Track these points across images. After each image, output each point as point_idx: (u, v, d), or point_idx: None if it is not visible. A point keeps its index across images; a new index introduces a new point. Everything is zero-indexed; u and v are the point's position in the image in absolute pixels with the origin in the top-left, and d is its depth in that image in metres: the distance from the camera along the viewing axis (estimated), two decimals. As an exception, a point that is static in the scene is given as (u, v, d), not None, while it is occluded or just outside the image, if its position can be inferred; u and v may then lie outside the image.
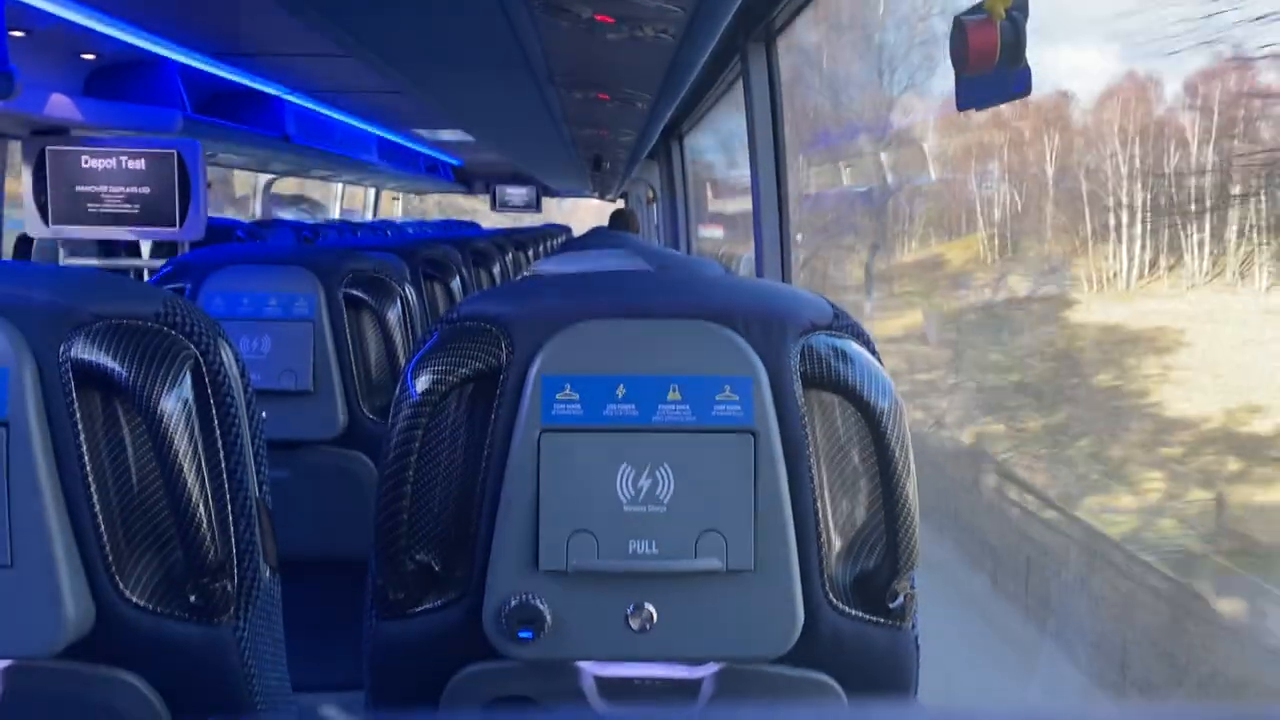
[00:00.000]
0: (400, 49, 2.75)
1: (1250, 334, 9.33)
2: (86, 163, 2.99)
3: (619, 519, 0.85)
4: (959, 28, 1.21)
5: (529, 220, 10.28)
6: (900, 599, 0.91)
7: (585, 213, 12.32)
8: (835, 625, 0.90)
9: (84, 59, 3.11)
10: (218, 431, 0.88)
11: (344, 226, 6.33)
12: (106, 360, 0.84)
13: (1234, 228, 9.43)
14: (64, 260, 3.15)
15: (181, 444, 0.85)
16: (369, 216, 8.91)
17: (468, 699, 0.90)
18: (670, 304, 0.89)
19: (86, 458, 0.84)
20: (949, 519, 8.75)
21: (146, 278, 3.06)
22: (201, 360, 0.88)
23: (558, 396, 0.86)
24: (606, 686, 0.90)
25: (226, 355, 0.90)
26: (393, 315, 1.79)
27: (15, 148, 3.15)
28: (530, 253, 5.33)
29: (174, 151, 3.01)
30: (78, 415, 0.84)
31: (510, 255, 4.25)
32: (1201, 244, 9.60)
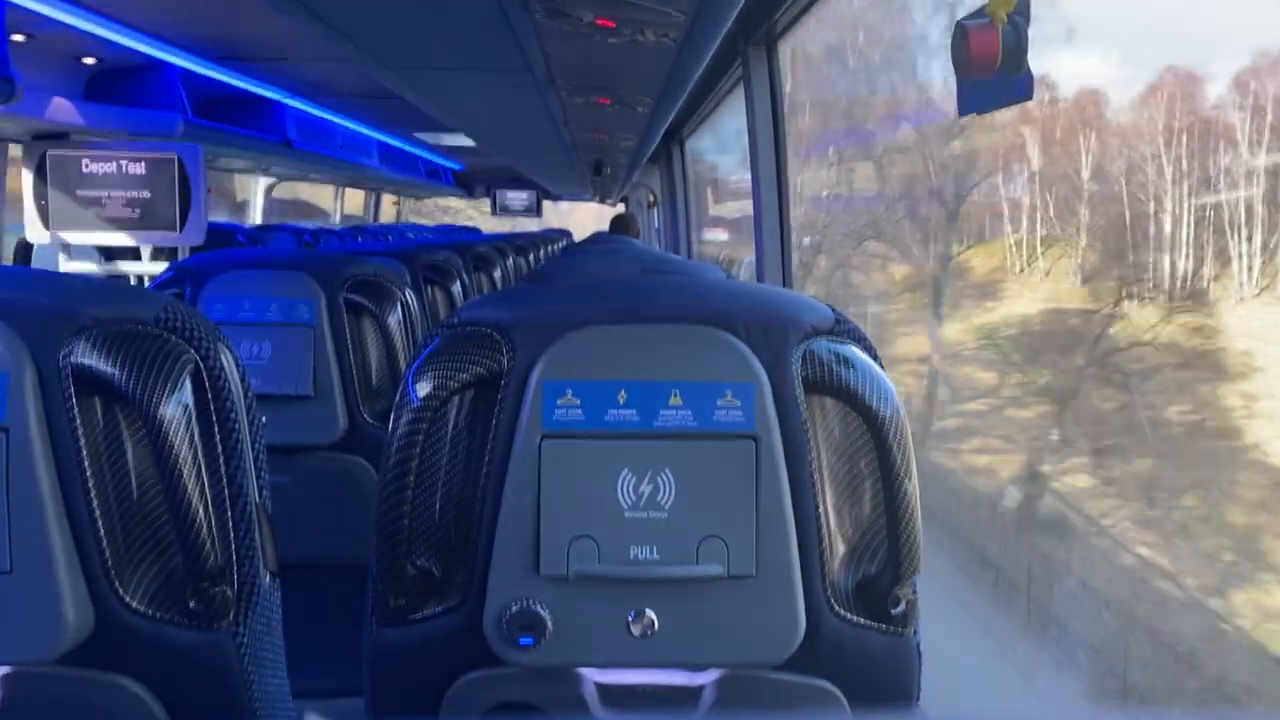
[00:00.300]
0: (401, 53, 2.75)
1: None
2: (87, 167, 2.99)
3: (620, 524, 0.85)
4: (960, 32, 1.20)
5: (522, 225, 10.16)
6: (902, 605, 0.90)
7: (584, 215, 12.24)
8: (837, 631, 0.89)
9: (85, 63, 3.11)
10: (218, 436, 0.88)
11: (344, 231, 6.33)
12: (106, 365, 0.84)
13: (1283, 234, 8.16)
14: (64, 265, 3.15)
15: (181, 449, 0.84)
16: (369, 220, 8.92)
17: (468, 705, 0.90)
18: (671, 309, 0.89)
19: (86, 463, 0.84)
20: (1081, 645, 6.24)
21: (147, 282, 3.06)
22: (202, 365, 0.88)
23: (559, 402, 0.85)
24: (607, 693, 0.89)
25: (227, 360, 0.90)
26: (393, 320, 1.79)
27: (16, 152, 3.15)
28: (531, 257, 5.33)
29: (174, 156, 3.01)
30: (78, 420, 0.84)
31: (511, 260, 4.25)
32: (1248, 253, 8.41)
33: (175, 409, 0.84)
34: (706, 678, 0.90)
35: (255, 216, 6.58)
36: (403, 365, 1.78)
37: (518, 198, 9.80)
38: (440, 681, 0.90)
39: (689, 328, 0.87)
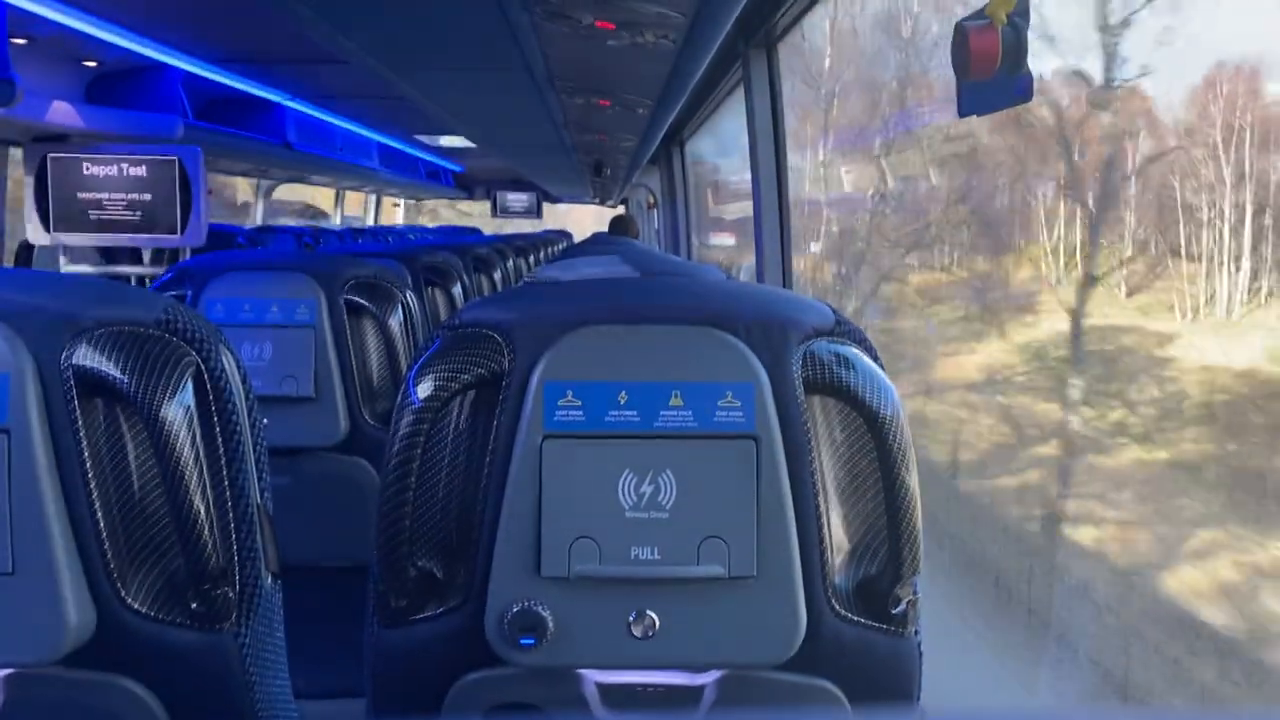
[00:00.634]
0: (401, 55, 2.75)
1: None
2: (87, 169, 2.99)
3: (621, 525, 0.85)
4: (960, 33, 1.21)
5: (515, 227, 10.02)
6: (903, 605, 0.91)
7: (582, 217, 12.15)
8: (838, 631, 0.90)
9: (85, 66, 3.11)
10: (219, 438, 0.88)
11: (345, 233, 6.34)
12: (108, 367, 0.84)
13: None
14: (65, 267, 3.15)
15: (183, 450, 0.85)
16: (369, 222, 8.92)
17: (469, 706, 0.90)
18: (672, 310, 0.89)
19: (88, 464, 0.84)
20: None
21: (148, 284, 3.06)
22: (203, 367, 0.88)
23: (560, 403, 0.86)
24: (608, 693, 0.90)
25: (228, 362, 0.90)
26: (394, 321, 1.79)
27: (16, 154, 3.15)
28: (531, 259, 5.33)
29: (175, 158, 3.01)
30: (79, 422, 0.84)
31: (511, 261, 4.25)
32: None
33: (177, 411, 0.84)
34: (707, 678, 0.90)
35: (256, 218, 6.59)
36: (403, 366, 1.78)
37: (518, 199, 9.80)
38: (441, 682, 0.91)
39: (689, 329, 0.88)
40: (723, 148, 6.94)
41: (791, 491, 0.86)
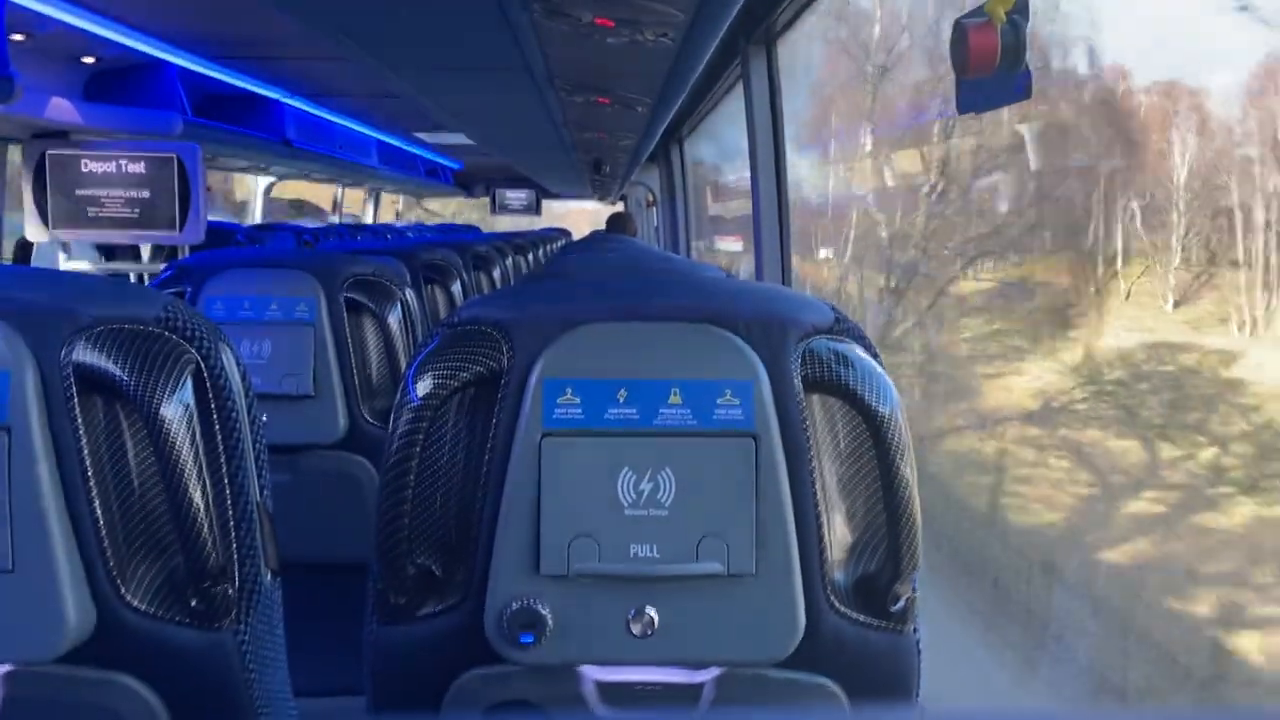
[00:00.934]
0: (400, 52, 2.75)
1: None
2: (86, 166, 2.99)
3: (620, 523, 0.85)
4: (959, 31, 1.21)
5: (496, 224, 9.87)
6: (902, 602, 0.91)
7: (579, 217, 12.05)
8: (837, 629, 0.90)
9: (84, 62, 3.11)
10: (219, 436, 0.88)
11: (344, 230, 6.33)
12: (107, 364, 0.84)
13: None
14: (64, 264, 3.15)
15: (182, 448, 0.85)
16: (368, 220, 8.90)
17: (469, 703, 0.90)
18: (671, 307, 0.89)
19: (88, 462, 0.84)
20: None
21: (147, 282, 3.06)
22: (202, 364, 0.88)
23: (559, 400, 0.86)
24: (608, 691, 0.90)
25: (227, 359, 0.90)
26: (393, 319, 1.79)
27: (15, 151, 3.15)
28: (530, 256, 5.33)
29: (174, 155, 3.01)
30: (79, 419, 0.84)
31: (510, 259, 4.25)
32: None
33: (176, 408, 0.85)
34: (706, 675, 0.90)
35: (255, 216, 6.59)
36: (403, 364, 1.78)
37: (517, 197, 9.79)
38: (441, 680, 0.91)
39: (689, 326, 0.88)
40: (725, 147, 6.78)
41: (790, 489, 0.86)
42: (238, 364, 0.92)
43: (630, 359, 0.86)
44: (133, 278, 3.21)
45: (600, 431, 0.85)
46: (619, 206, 9.45)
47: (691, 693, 0.90)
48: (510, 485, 0.86)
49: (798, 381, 0.88)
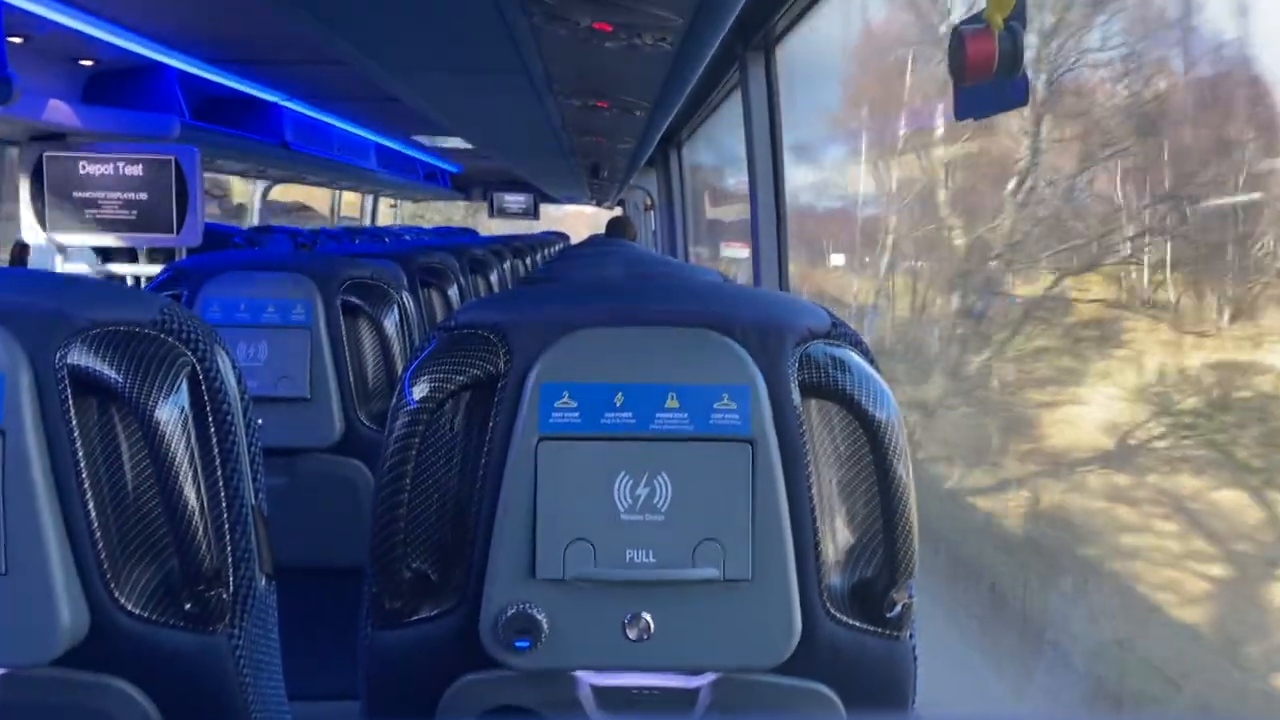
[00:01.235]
0: (399, 56, 2.75)
1: None
2: (84, 169, 2.99)
3: (616, 528, 0.85)
4: (957, 38, 1.21)
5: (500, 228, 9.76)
6: (898, 608, 0.90)
7: (576, 221, 12.02)
8: (833, 635, 0.90)
9: (82, 65, 3.11)
10: (214, 439, 0.88)
11: (341, 233, 6.34)
12: (103, 367, 0.84)
13: None
14: (60, 266, 3.15)
15: (178, 451, 0.84)
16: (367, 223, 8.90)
17: (464, 708, 0.90)
18: (668, 312, 0.89)
19: (82, 465, 0.84)
20: None
21: (143, 284, 3.05)
22: (198, 367, 0.88)
23: (556, 404, 0.85)
24: (603, 696, 0.89)
25: (223, 362, 0.90)
26: (390, 322, 1.79)
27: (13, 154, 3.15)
28: (528, 260, 5.33)
29: (171, 158, 3.01)
30: (74, 422, 0.84)
31: (508, 263, 4.25)
32: None
33: (172, 411, 0.84)
34: (702, 681, 0.90)
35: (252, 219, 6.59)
36: (399, 368, 1.78)
37: (515, 201, 9.80)
38: (436, 684, 0.90)
39: (686, 331, 0.87)
40: (724, 152, 6.65)
41: (787, 494, 0.86)
42: (233, 367, 0.92)
43: (627, 363, 0.86)
44: (129, 280, 3.21)
45: (597, 436, 0.85)
46: (617, 211, 9.45)
47: (687, 698, 0.90)
48: (506, 489, 0.86)
49: (795, 387, 0.87)
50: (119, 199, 3.00)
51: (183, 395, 0.86)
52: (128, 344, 0.85)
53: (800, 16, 3.00)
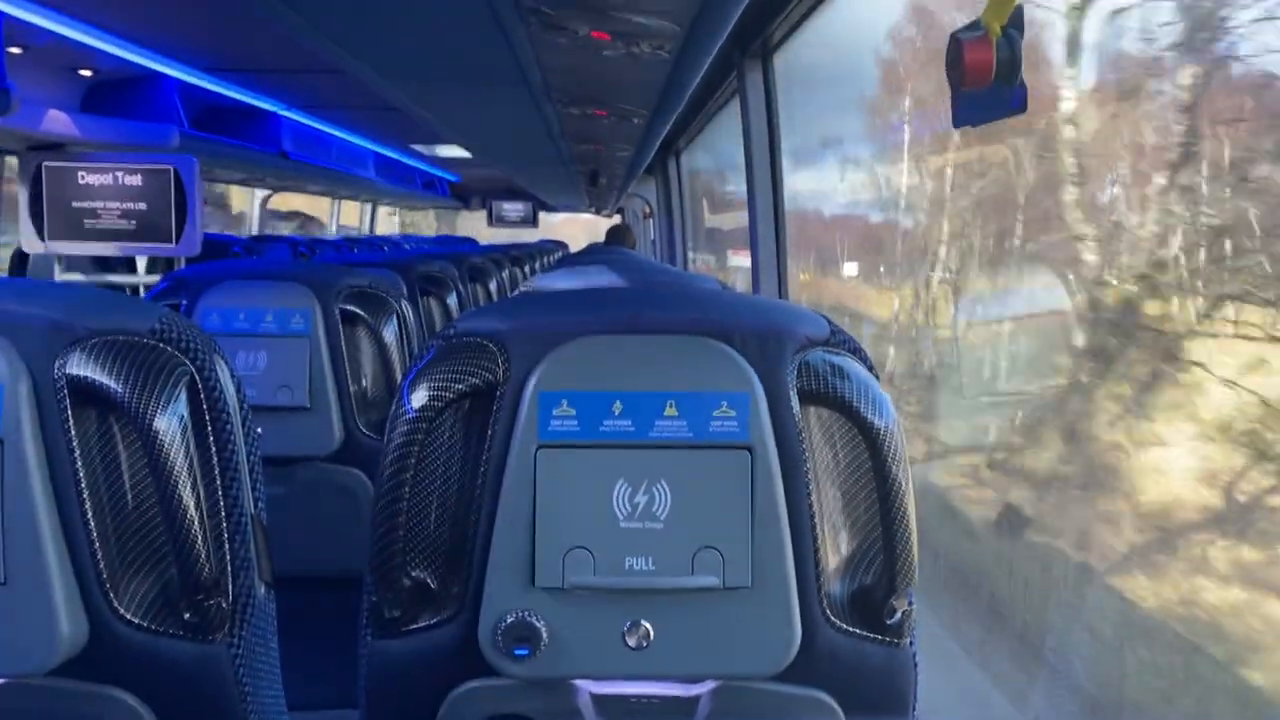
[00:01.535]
0: (397, 65, 2.76)
1: None
2: (83, 178, 2.99)
3: (616, 535, 0.85)
4: (955, 45, 1.21)
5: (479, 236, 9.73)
6: (898, 616, 0.90)
7: (574, 229, 11.95)
8: (832, 642, 0.89)
9: (81, 75, 3.12)
10: (213, 448, 0.88)
11: (340, 242, 6.34)
12: (102, 377, 0.84)
13: None
14: (59, 276, 3.15)
15: (177, 460, 0.84)
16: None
17: (463, 717, 0.90)
18: (667, 319, 0.89)
19: (81, 474, 0.84)
20: None
21: (142, 294, 3.06)
22: (197, 376, 0.88)
23: (554, 412, 0.85)
24: (603, 704, 0.89)
25: (222, 371, 0.90)
26: (389, 331, 1.79)
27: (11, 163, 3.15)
28: (526, 268, 5.33)
29: (170, 167, 3.01)
30: (73, 432, 0.84)
31: (506, 271, 4.25)
32: None
33: (171, 421, 0.84)
34: (702, 688, 0.90)
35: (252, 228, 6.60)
36: (398, 376, 1.78)
37: (514, 209, 9.80)
38: (435, 693, 0.90)
39: (685, 338, 0.88)
40: (722, 159, 6.62)
41: (786, 502, 0.86)
42: (232, 376, 0.92)
43: (626, 371, 0.86)
44: (128, 290, 3.21)
45: (596, 444, 0.85)
46: (615, 219, 9.45)
47: (687, 706, 0.90)
48: (505, 497, 0.86)
49: (794, 394, 0.87)
50: (118, 209, 3.00)
51: (182, 404, 0.86)
52: (127, 353, 0.85)
53: (797, 25, 3.00)
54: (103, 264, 3.34)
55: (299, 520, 1.69)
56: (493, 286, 3.62)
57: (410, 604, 0.90)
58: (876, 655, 0.91)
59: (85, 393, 0.84)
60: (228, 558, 0.88)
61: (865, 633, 0.90)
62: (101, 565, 0.85)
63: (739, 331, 0.88)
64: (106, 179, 2.99)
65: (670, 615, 0.86)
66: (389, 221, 11.19)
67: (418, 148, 5.95)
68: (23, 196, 2.97)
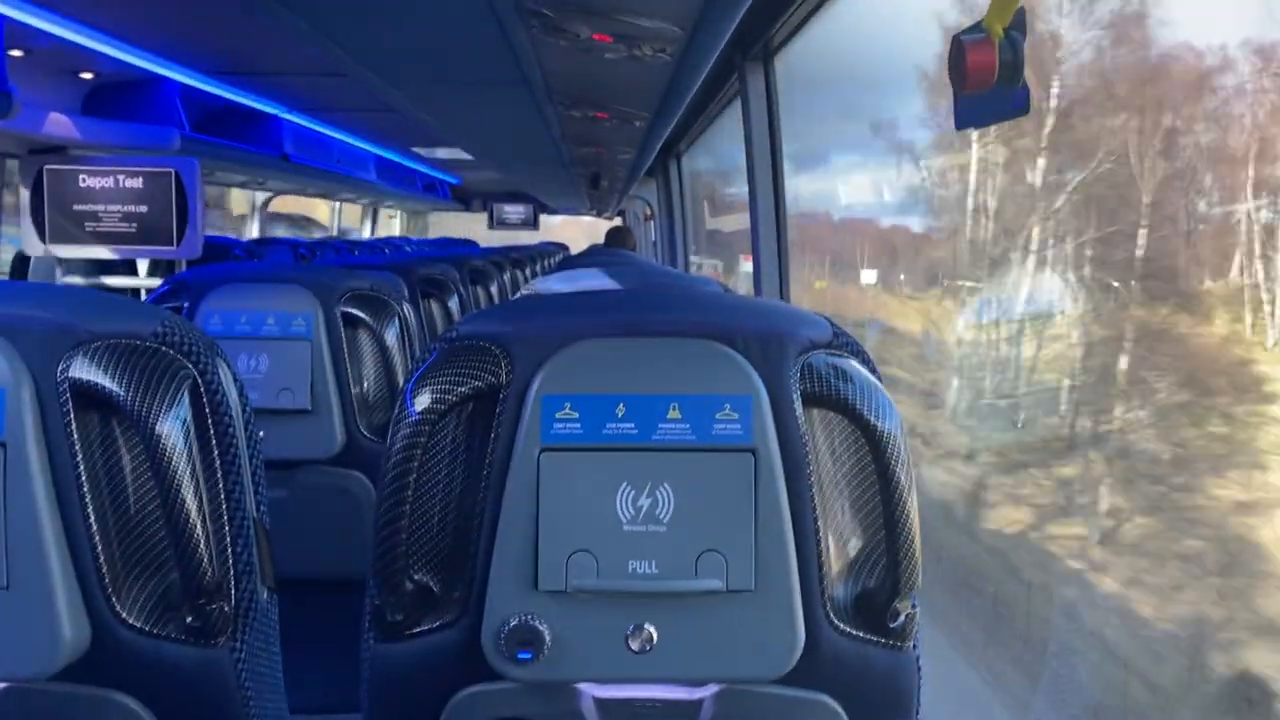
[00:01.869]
0: (398, 68, 2.76)
1: None
2: (84, 181, 2.99)
3: (619, 539, 0.84)
4: (957, 47, 1.21)
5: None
6: (901, 619, 0.90)
7: (574, 231, 11.91)
8: (836, 645, 0.89)
9: (82, 78, 3.12)
10: (215, 451, 0.88)
11: (341, 245, 6.34)
12: (104, 380, 0.84)
13: None
14: (61, 279, 3.15)
15: (179, 464, 0.84)
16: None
17: None
18: (670, 322, 0.89)
19: (84, 478, 0.84)
20: None
21: (144, 297, 3.06)
22: (199, 380, 0.87)
23: (557, 415, 0.85)
24: (606, 708, 0.89)
25: (224, 375, 0.90)
26: (391, 334, 1.79)
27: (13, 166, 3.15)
28: (528, 271, 5.34)
29: (171, 170, 3.01)
30: (75, 435, 0.84)
31: (508, 274, 4.25)
32: None
33: (173, 424, 0.84)
34: (705, 692, 0.89)
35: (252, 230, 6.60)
36: (400, 379, 1.77)
37: (515, 211, 9.80)
38: (438, 697, 0.90)
39: (687, 341, 0.87)
40: (724, 161, 6.65)
41: (789, 504, 0.86)
42: (234, 379, 0.92)
43: (629, 374, 0.86)
44: (130, 293, 3.21)
45: (599, 447, 0.85)
46: (616, 221, 9.44)
47: (690, 709, 0.90)
48: (508, 501, 0.86)
49: (797, 397, 0.87)
50: (119, 211, 3.00)
51: (184, 408, 0.85)
52: (129, 357, 0.85)
53: (799, 27, 3.00)
54: (104, 267, 3.34)
55: (301, 524, 1.69)
56: (494, 289, 3.62)
57: (413, 607, 0.90)
58: (880, 658, 0.90)
59: (88, 396, 0.84)
60: (230, 561, 0.88)
61: (869, 636, 0.90)
62: (104, 569, 0.85)
63: (742, 334, 0.88)
64: (108, 182, 2.99)
65: (674, 618, 0.86)
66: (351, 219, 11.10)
67: (419, 150, 5.95)
68: (24, 200, 2.97)
